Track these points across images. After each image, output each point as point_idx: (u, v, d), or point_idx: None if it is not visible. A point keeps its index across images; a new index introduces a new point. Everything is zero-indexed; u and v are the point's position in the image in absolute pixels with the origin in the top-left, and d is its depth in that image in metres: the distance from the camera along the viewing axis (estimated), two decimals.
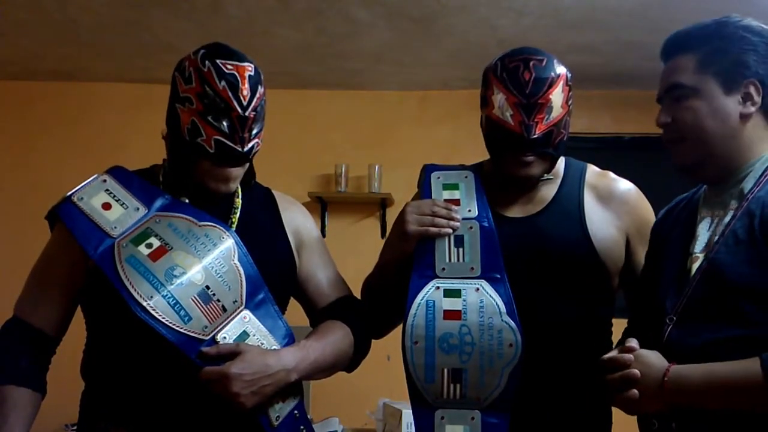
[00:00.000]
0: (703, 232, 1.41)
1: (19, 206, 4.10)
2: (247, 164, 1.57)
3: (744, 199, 1.36)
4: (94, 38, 3.66)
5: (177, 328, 1.40)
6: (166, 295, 1.41)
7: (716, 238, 1.37)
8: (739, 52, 1.38)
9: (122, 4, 3.27)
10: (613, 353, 1.40)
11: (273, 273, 1.55)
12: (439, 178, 1.72)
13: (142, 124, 4.16)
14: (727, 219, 1.37)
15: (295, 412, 1.50)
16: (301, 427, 1.51)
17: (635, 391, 1.33)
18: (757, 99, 1.38)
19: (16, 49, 3.84)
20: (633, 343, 1.38)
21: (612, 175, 1.76)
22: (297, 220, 1.68)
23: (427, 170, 1.74)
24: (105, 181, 1.55)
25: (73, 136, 4.26)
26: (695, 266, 1.38)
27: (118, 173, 1.57)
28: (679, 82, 1.41)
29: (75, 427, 3.62)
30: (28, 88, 4.30)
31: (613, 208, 1.69)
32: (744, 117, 1.38)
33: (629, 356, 1.36)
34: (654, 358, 1.34)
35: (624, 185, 1.73)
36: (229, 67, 1.48)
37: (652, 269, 1.53)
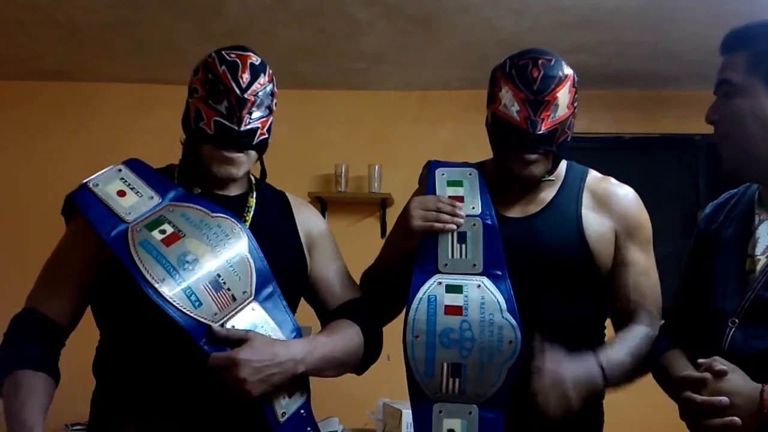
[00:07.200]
0: (764, 234, 1.38)
1: (18, 206, 4.10)
2: (254, 153, 1.59)
3: None
4: (94, 38, 3.66)
5: (188, 313, 1.41)
6: (179, 279, 1.43)
7: None
8: None
9: (122, 4, 3.27)
10: (697, 375, 1.29)
11: (284, 272, 1.56)
12: (443, 174, 1.73)
13: (142, 123, 4.18)
14: None
15: (302, 411, 1.50)
16: (308, 428, 1.50)
17: (735, 419, 1.23)
18: None
19: (16, 49, 3.83)
20: (720, 365, 1.27)
21: (613, 180, 1.76)
22: (310, 222, 1.70)
23: (432, 166, 1.75)
24: (120, 170, 1.58)
25: (73, 136, 4.26)
26: (758, 268, 1.35)
27: (133, 164, 1.61)
28: (727, 79, 1.40)
29: (75, 427, 3.62)
30: (28, 88, 4.29)
31: (607, 209, 1.70)
32: None
33: (724, 399, 1.24)
34: (740, 380, 1.26)
35: (622, 190, 1.74)
36: (232, 55, 1.55)
37: (700, 267, 1.50)
